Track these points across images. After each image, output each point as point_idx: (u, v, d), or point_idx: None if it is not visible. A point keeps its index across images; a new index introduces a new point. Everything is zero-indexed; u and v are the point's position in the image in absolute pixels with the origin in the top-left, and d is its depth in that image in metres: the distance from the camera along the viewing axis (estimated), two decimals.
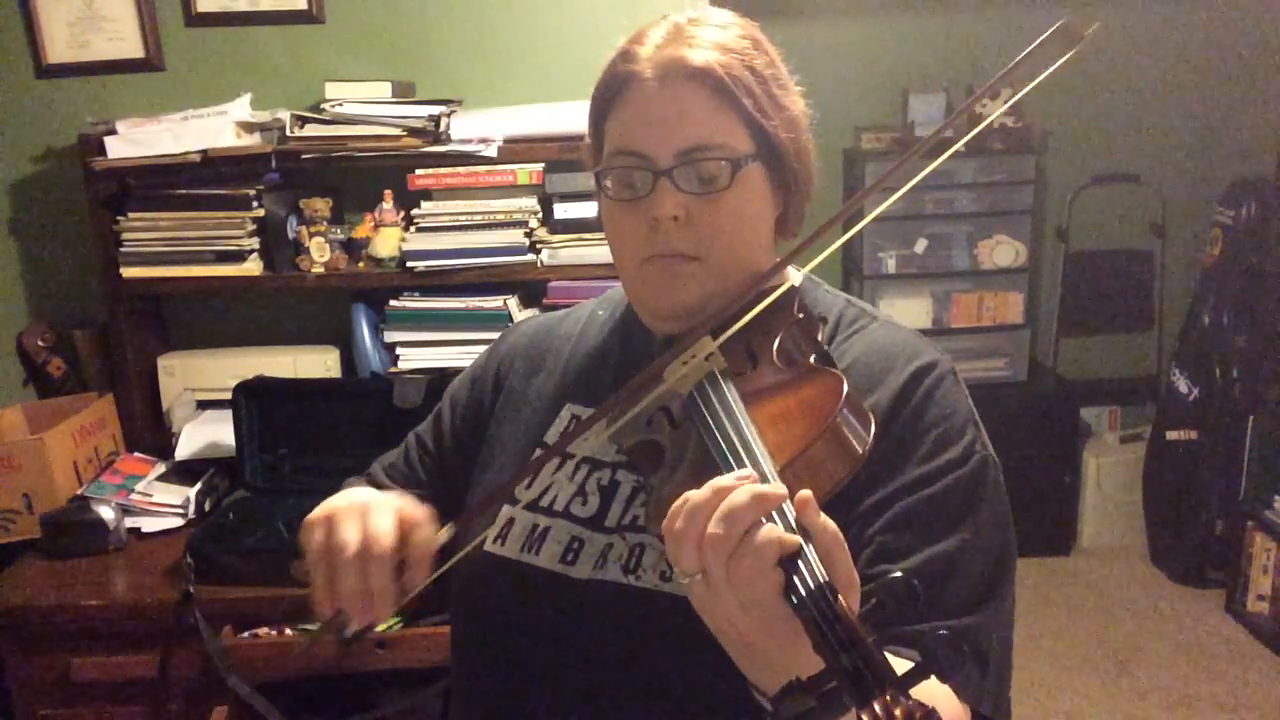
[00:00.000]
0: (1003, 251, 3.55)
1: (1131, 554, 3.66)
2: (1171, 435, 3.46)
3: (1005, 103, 0.93)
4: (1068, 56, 0.90)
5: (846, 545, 0.69)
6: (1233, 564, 3.25)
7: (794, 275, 1.03)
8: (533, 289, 2.22)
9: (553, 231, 2.16)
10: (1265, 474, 3.17)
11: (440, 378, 2.06)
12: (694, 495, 0.70)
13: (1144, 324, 3.92)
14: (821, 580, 0.64)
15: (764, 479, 0.73)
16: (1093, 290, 3.86)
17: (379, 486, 1.20)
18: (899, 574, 0.64)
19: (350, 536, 0.86)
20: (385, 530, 0.87)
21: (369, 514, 0.88)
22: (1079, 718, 2.82)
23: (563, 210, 2.14)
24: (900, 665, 0.61)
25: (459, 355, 2.15)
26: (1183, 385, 3.45)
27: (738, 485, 0.69)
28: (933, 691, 0.60)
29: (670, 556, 0.72)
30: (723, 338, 0.90)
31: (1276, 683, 2.93)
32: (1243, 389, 3.31)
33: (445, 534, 0.90)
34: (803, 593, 0.64)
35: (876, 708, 0.58)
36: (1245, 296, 3.33)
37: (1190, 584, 3.44)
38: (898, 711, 0.57)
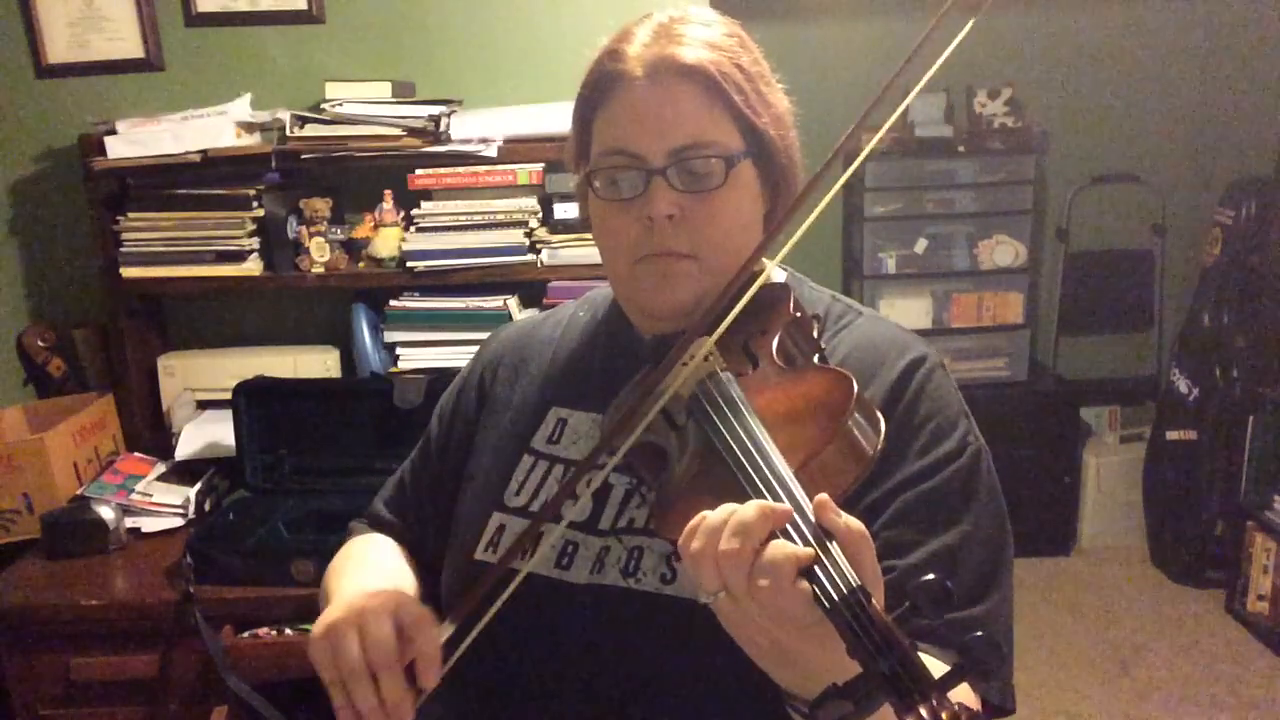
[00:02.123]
0: (1003, 251, 3.55)
1: (1131, 554, 3.65)
2: (1171, 435, 3.46)
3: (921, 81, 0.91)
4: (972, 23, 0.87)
5: (871, 540, 0.69)
6: (1233, 564, 3.24)
7: (777, 273, 1.03)
8: (533, 289, 2.21)
9: (553, 231, 2.16)
10: (1265, 474, 3.17)
11: (440, 378, 2.06)
12: (709, 514, 0.69)
13: (1144, 324, 3.92)
14: (853, 584, 0.63)
15: (780, 480, 0.73)
16: (1093, 290, 3.86)
17: (382, 525, 1.19)
18: (932, 576, 0.63)
19: (353, 652, 0.84)
20: (385, 638, 0.84)
21: (365, 625, 0.85)
22: (1079, 718, 2.82)
23: (563, 210, 2.14)
24: (934, 666, 0.61)
25: (459, 355, 2.15)
26: (1183, 385, 3.45)
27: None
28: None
29: (692, 576, 0.71)
30: (718, 332, 0.88)
31: (1276, 683, 2.93)
32: (1243, 389, 3.31)
33: (447, 629, 0.87)
34: (835, 598, 0.63)
35: (923, 712, 0.58)
36: (1245, 296, 3.33)
37: (1190, 584, 3.44)
38: (944, 715, 0.57)
